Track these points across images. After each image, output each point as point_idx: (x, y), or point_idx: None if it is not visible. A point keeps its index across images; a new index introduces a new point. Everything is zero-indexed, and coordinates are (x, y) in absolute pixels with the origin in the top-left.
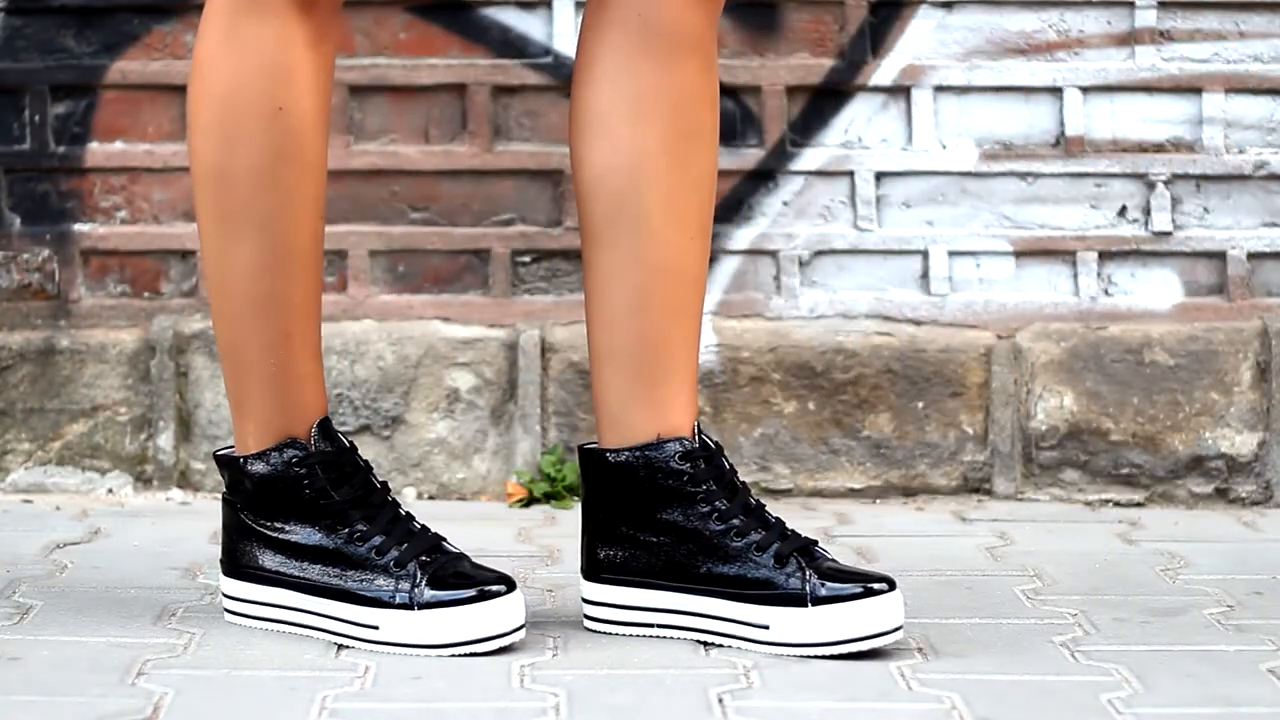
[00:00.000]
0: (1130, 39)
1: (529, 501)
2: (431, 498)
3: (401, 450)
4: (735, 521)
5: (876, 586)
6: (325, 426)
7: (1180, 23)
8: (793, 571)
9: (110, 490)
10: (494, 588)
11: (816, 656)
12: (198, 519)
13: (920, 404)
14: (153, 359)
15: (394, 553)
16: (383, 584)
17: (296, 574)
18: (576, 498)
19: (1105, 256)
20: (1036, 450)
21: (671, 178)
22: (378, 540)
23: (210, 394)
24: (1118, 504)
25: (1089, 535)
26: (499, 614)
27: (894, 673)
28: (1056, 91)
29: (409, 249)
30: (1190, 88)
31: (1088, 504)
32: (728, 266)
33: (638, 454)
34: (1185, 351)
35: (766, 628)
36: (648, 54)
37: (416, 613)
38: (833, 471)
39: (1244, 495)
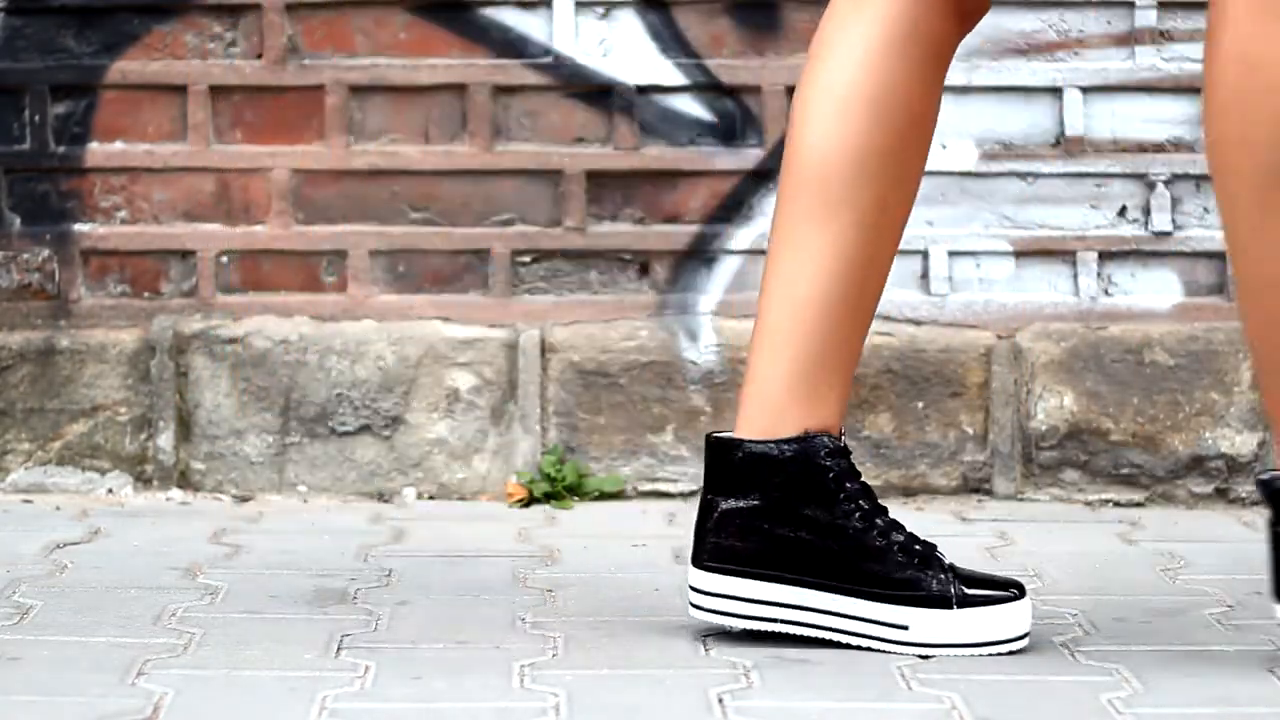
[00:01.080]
0: (1130, 39)
1: (529, 501)
2: (431, 498)
3: (401, 450)
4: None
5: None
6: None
7: (1180, 23)
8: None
9: (110, 490)
10: (1016, 590)
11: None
12: (198, 519)
13: (920, 404)
14: (153, 359)
15: (918, 546)
16: (913, 577)
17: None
18: (576, 498)
19: (1105, 256)
20: (1036, 450)
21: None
22: (899, 538)
23: (210, 394)
24: (1118, 504)
25: (1089, 535)
26: (1024, 614)
27: (894, 673)
28: (1056, 91)
29: (409, 249)
30: (1190, 88)
31: (1088, 504)
32: (728, 266)
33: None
34: (1185, 351)
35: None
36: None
37: (954, 611)
38: None
39: (1244, 495)
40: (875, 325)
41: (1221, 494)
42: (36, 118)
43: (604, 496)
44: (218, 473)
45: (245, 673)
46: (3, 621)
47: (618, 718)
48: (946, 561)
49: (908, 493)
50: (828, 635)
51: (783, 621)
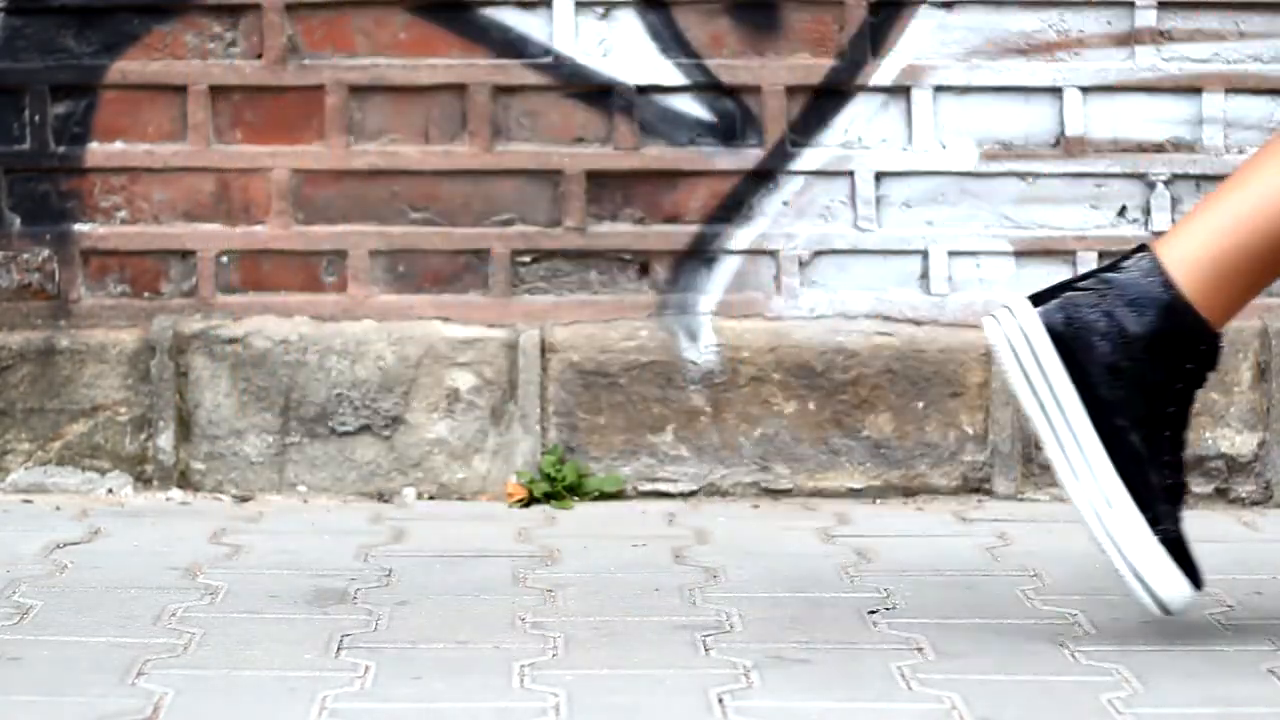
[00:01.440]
0: (1130, 39)
1: (529, 501)
2: (431, 498)
3: (401, 450)
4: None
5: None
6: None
7: (1180, 23)
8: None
9: (110, 490)
10: (1195, 580)
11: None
12: (198, 519)
13: (920, 404)
14: (153, 359)
15: (1169, 480)
16: (1157, 486)
17: (1098, 411)
18: (576, 498)
19: (1105, 256)
20: (1036, 450)
21: None
22: (1172, 457)
23: (210, 394)
24: None
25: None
26: (1182, 593)
27: (894, 673)
28: (1056, 91)
29: (409, 249)
30: (1190, 88)
31: None
32: (728, 266)
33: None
34: None
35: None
36: None
37: (1151, 537)
38: (833, 471)
39: (1244, 495)
40: (874, 325)
41: (1221, 494)
42: (36, 118)
43: (604, 496)
44: (218, 473)
45: (245, 673)
46: (3, 621)
47: (618, 718)
48: (1182, 513)
49: (908, 493)
50: (1054, 449)
51: (1038, 402)
